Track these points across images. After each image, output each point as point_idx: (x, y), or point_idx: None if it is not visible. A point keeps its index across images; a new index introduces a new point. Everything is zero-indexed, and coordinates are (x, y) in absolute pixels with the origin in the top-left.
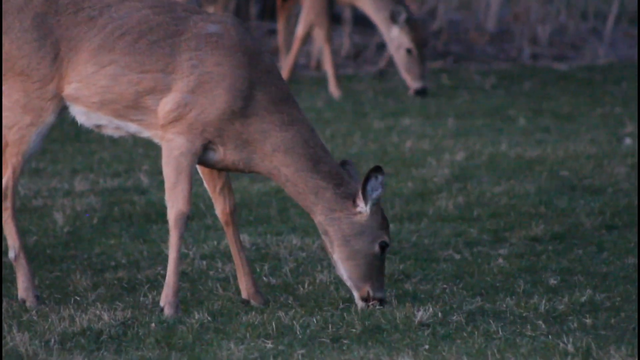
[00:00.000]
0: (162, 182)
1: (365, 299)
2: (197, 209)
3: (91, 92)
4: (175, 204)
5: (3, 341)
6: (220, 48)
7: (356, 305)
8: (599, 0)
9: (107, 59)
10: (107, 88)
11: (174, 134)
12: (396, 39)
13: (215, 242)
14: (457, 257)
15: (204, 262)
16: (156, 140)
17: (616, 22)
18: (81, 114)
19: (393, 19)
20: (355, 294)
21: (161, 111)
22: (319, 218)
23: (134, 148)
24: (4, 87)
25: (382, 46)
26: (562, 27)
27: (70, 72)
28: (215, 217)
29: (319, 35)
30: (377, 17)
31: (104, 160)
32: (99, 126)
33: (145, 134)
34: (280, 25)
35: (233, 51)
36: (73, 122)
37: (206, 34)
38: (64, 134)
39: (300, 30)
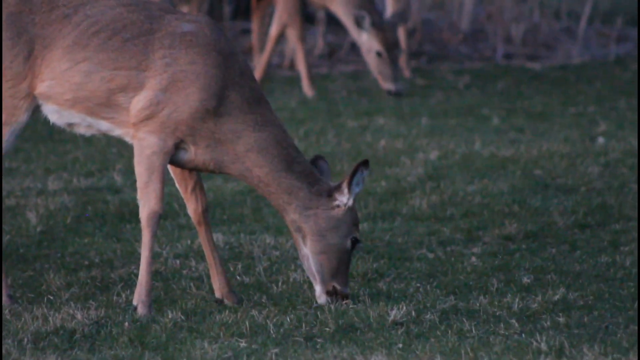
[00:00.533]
0: (135, 182)
1: (330, 293)
2: (171, 208)
3: (64, 90)
4: (147, 203)
5: None
6: (195, 47)
7: (320, 302)
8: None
9: (81, 55)
10: (80, 85)
11: (146, 132)
12: (365, 42)
13: (189, 241)
14: (431, 256)
15: (178, 261)
16: (127, 138)
17: (589, 22)
18: (53, 112)
19: (358, 24)
20: (319, 288)
21: (133, 109)
22: (292, 216)
23: (107, 147)
24: None
25: (355, 46)
26: (536, 26)
27: (44, 69)
28: (188, 216)
29: (292, 34)
30: (348, 20)
31: (78, 159)
32: (70, 124)
33: (117, 132)
34: (254, 25)
35: (207, 50)
36: (46, 121)
37: (181, 33)
38: (37, 134)
39: (273, 30)
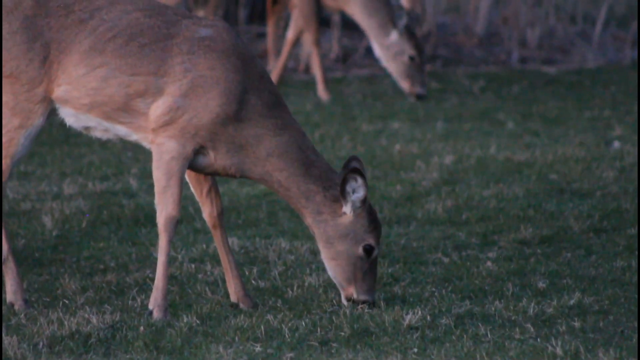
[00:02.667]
0: (151, 186)
1: (350, 299)
2: (186, 213)
3: (81, 94)
4: (165, 208)
5: None
6: (213, 52)
7: (345, 308)
8: (588, 3)
9: (98, 61)
10: (98, 90)
11: (165, 137)
12: (396, 45)
13: (204, 246)
14: (446, 260)
15: (193, 266)
16: (144, 143)
17: (605, 26)
18: (70, 116)
19: (393, 23)
20: (341, 293)
21: (152, 115)
22: (307, 220)
23: (122, 151)
24: None
25: (370, 50)
26: (551, 30)
27: (60, 74)
28: (203, 220)
29: (308, 38)
30: (368, 23)
31: (93, 163)
32: (87, 128)
33: (134, 137)
34: (269, 29)
35: (226, 55)
36: (62, 125)
37: (198, 38)
38: (52, 137)
39: (290, 33)
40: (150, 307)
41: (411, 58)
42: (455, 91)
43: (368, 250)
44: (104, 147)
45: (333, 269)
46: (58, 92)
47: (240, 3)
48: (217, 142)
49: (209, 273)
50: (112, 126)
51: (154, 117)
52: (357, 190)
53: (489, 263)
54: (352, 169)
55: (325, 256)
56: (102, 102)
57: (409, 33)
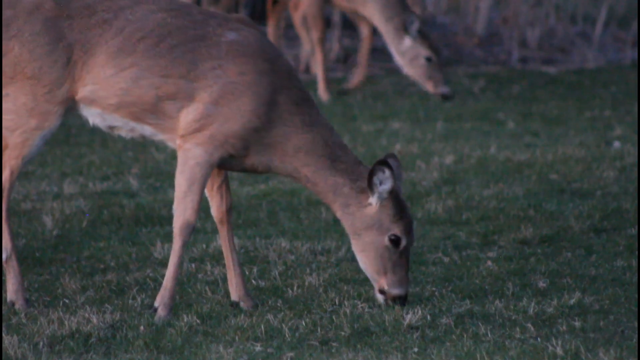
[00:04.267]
0: (150, 186)
1: (383, 292)
2: None
3: (109, 94)
4: (183, 213)
5: None
6: (242, 56)
7: (346, 308)
8: (588, 3)
9: (128, 61)
10: (127, 90)
11: (193, 144)
12: (411, 49)
13: (204, 245)
14: (446, 260)
15: (193, 265)
16: (170, 143)
17: (605, 26)
18: (96, 116)
19: (405, 28)
20: (374, 287)
21: (183, 121)
22: (338, 214)
23: (123, 151)
24: (10, 90)
25: (372, 50)
26: (551, 30)
27: (85, 74)
28: (204, 220)
29: (313, 37)
30: (385, 28)
31: (93, 163)
32: (112, 127)
33: (160, 137)
34: (269, 29)
35: (255, 59)
36: (63, 125)
37: (226, 42)
38: (53, 137)
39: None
40: (156, 304)
41: (428, 59)
42: (455, 91)
43: (394, 240)
44: (105, 147)
45: (362, 261)
46: (83, 92)
47: (240, 3)
48: (246, 146)
49: (209, 273)
50: (138, 126)
51: (184, 124)
52: (384, 181)
53: (489, 263)
54: (380, 160)
55: (355, 249)
56: (130, 103)
57: (423, 35)
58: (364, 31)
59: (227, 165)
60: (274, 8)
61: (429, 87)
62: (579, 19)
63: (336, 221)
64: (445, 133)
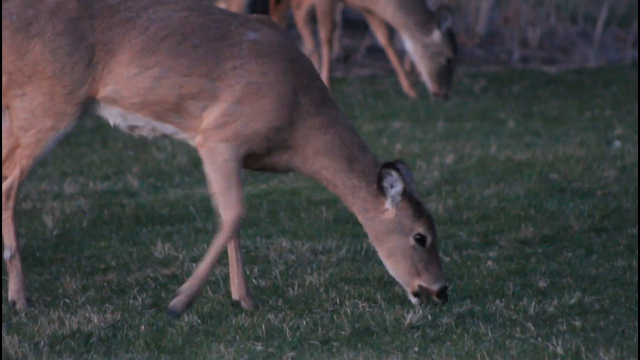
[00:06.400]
0: (151, 185)
1: (418, 294)
2: (187, 212)
3: (132, 94)
4: (230, 207)
5: None
6: (263, 56)
7: (347, 307)
8: (589, 3)
9: (151, 60)
10: (150, 90)
11: (216, 141)
12: (436, 45)
13: (205, 245)
14: (447, 259)
15: (194, 265)
16: (192, 142)
17: (606, 26)
18: (117, 116)
19: (438, 22)
20: (407, 291)
21: (206, 119)
22: (359, 218)
23: (123, 151)
24: (27, 90)
25: (372, 49)
26: (552, 30)
27: (107, 74)
28: (205, 220)
29: (321, 35)
30: (404, 21)
31: (94, 163)
32: (133, 127)
33: (182, 135)
34: None
35: (276, 59)
36: None
37: (247, 41)
38: None
39: (382, 40)
40: (180, 291)
41: (448, 60)
42: (456, 91)
43: (420, 239)
44: (105, 146)
45: (392, 267)
46: (105, 92)
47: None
48: (269, 145)
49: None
50: (160, 125)
51: (207, 122)
52: (394, 184)
53: (489, 262)
54: (385, 164)
55: (381, 255)
56: (153, 102)
57: (450, 35)
58: (381, 39)
59: (246, 163)
60: (277, 7)
61: (434, 85)
62: (579, 18)
63: (336, 221)
64: (445, 133)
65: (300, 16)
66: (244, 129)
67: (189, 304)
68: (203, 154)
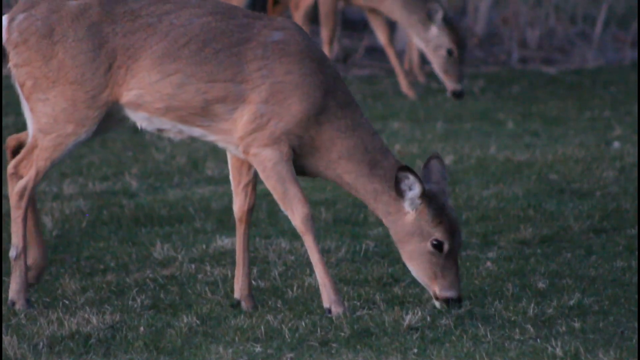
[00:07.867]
0: (150, 186)
1: (437, 299)
2: (186, 213)
3: (155, 99)
4: (295, 209)
5: None
6: (288, 56)
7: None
8: (588, 4)
9: (173, 67)
10: (173, 96)
11: (259, 147)
12: (435, 39)
13: (204, 246)
14: None
15: (193, 266)
16: (221, 144)
17: (605, 26)
18: (143, 119)
19: (430, 17)
20: (430, 293)
21: (239, 123)
22: (383, 221)
23: (123, 151)
24: (50, 95)
25: (371, 50)
26: (551, 30)
27: (130, 79)
28: (204, 220)
29: (323, 35)
30: (409, 20)
31: (93, 163)
32: (161, 130)
33: (210, 137)
34: None
35: (301, 58)
36: None
37: (272, 42)
38: None
39: (382, 39)
40: (327, 305)
41: (449, 52)
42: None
43: (437, 245)
44: (104, 147)
45: (414, 270)
46: (128, 96)
47: (239, 4)
48: (301, 145)
49: (209, 273)
50: (187, 128)
51: (240, 126)
52: (412, 187)
53: (488, 263)
54: (400, 166)
55: (403, 258)
56: (178, 107)
57: (450, 26)
58: (382, 39)
59: None
60: (275, 8)
61: (445, 80)
62: (578, 19)
63: (336, 221)
64: (445, 133)
65: (298, 17)
66: (278, 127)
67: (342, 303)
68: (251, 162)
